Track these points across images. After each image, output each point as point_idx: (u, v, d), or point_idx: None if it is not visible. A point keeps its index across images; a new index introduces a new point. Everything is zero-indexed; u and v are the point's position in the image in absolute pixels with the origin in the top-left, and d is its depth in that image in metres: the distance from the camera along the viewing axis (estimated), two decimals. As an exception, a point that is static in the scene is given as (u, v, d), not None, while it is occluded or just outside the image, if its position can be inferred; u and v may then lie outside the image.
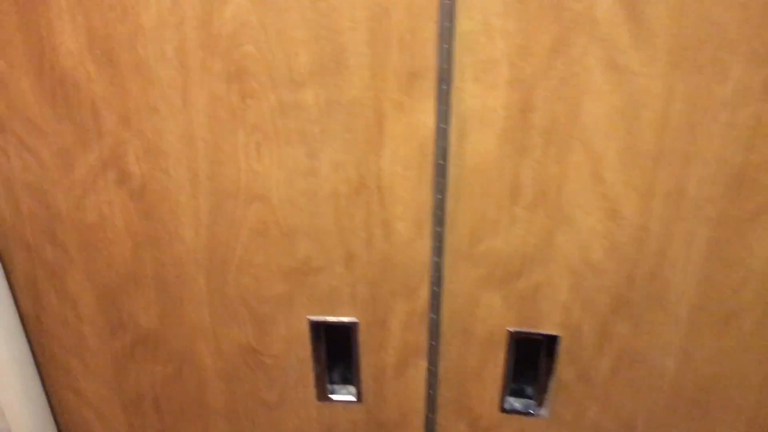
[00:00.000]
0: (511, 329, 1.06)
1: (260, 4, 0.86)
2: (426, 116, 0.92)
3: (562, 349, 1.06)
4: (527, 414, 1.14)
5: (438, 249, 1.02)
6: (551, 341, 1.06)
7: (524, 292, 1.02)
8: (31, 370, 1.21)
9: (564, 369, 1.07)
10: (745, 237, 0.92)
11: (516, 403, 1.15)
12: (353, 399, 1.18)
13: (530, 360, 1.10)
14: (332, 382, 1.18)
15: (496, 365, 1.10)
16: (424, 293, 1.06)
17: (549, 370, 1.09)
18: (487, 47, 0.85)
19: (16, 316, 1.16)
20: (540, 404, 1.13)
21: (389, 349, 1.12)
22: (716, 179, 0.89)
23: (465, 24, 0.85)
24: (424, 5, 0.84)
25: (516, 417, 1.15)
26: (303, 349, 1.13)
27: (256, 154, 0.97)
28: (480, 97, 0.89)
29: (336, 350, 1.14)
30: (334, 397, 1.18)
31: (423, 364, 1.12)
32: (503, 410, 1.15)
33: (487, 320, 1.06)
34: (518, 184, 0.94)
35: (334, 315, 1.10)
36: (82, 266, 1.09)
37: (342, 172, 0.97)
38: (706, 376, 1.04)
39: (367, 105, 0.92)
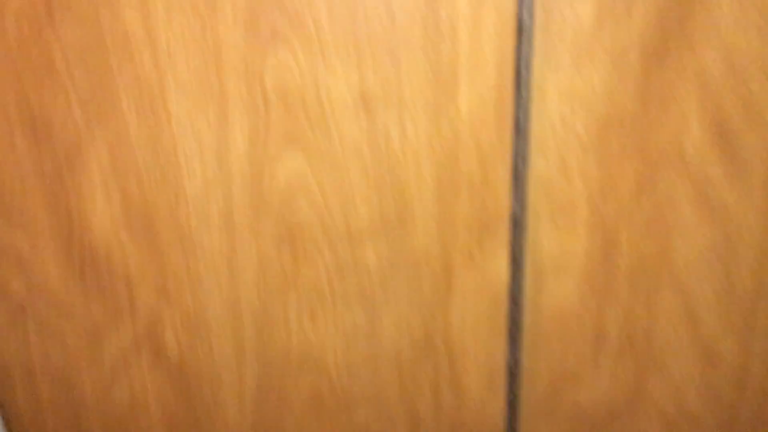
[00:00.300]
0: (600, 489, 0.95)
1: (317, 159, 0.79)
2: (499, 266, 0.84)
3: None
4: None
5: (513, 407, 0.92)
6: (646, 499, 0.95)
7: (613, 447, 0.92)
8: None
9: None
10: None
11: None
12: None
13: None
14: None
15: None
16: (498, 456, 0.95)
17: None
18: (565, 189, 0.79)
19: None
20: None
21: None
22: None
23: (540, 166, 0.79)
24: (495, 148, 0.78)
25: None
26: None
27: (309, 319, 0.88)
28: (558, 242, 0.82)
29: None
30: None
31: None
32: None
33: (573, 482, 0.95)
34: (602, 331, 0.86)
35: (397, 488, 0.98)
36: (110, 458, 0.96)
37: (406, 332, 0.88)
38: None
39: (434, 259, 0.84)
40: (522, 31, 0.73)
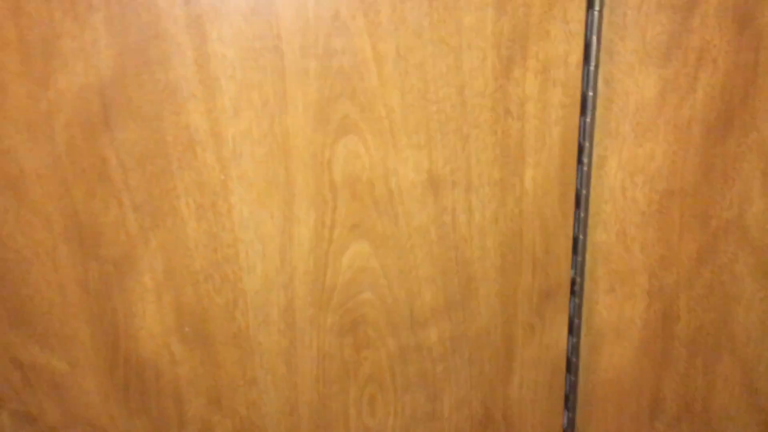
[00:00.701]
0: None
1: (383, 246, 0.77)
2: (558, 333, 0.85)
3: None
4: None
5: (569, 471, 0.92)
6: None
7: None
8: None
9: None
10: None
11: None
12: None
13: None
14: None
15: None
16: None
17: None
18: (624, 258, 0.81)
19: None
20: None
21: None
22: None
23: (599, 236, 0.80)
24: (558, 220, 0.79)
25: None
26: None
27: (369, 408, 0.84)
28: (616, 309, 0.84)
29: None
30: None
31: None
32: None
33: None
34: (659, 398, 0.88)
35: None
36: None
37: (466, 411, 0.87)
38: None
39: (495, 334, 0.83)
40: (585, 106, 0.75)
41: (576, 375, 0.87)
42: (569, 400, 0.89)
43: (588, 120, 0.75)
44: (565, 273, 0.82)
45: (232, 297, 0.76)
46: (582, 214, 0.79)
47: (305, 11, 0.66)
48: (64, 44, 0.63)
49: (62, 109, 0.65)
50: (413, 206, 0.76)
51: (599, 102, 0.74)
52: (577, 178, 0.78)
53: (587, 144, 0.76)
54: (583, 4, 0.70)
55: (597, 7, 0.70)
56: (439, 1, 0.68)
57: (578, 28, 0.72)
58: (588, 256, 0.82)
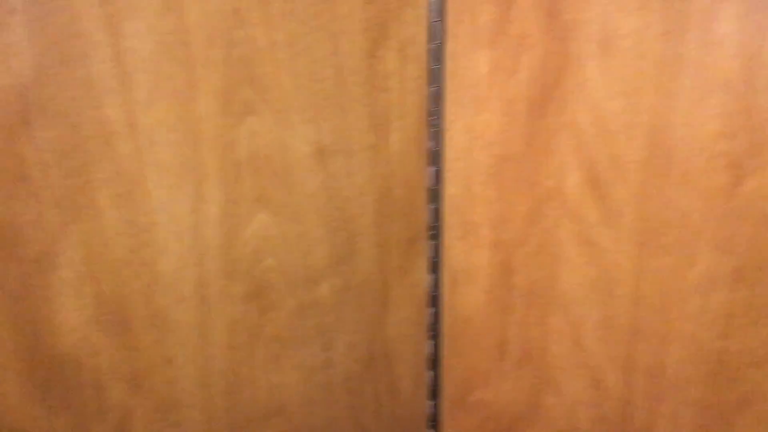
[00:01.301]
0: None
1: (280, 215, 0.86)
2: (421, 274, 1.00)
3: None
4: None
5: (436, 401, 1.09)
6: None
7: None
8: None
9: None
10: (732, 428, 0.91)
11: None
12: None
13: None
14: None
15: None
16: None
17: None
18: (471, 211, 0.98)
19: None
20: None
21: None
22: (696, 363, 0.89)
23: (452, 189, 0.97)
24: (417, 176, 0.94)
25: None
26: None
27: (274, 366, 0.93)
28: (467, 255, 1.00)
29: None
30: None
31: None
32: None
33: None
34: (505, 341, 1.02)
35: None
36: None
37: (354, 353, 0.99)
38: None
39: (374, 280, 0.97)
40: (434, 78, 0.91)
41: (438, 307, 1.04)
42: (433, 331, 1.05)
43: (437, 89, 0.91)
44: (424, 220, 0.98)
45: (149, 280, 0.81)
46: (436, 169, 0.95)
47: (209, 7, 0.73)
48: (-13, 45, 0.64)
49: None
50: (305, 175, 0.86)
51: (447, 75, 0.90)
52: (430, 138, 0.93)
53: (437, 112, 0.92)
54: (426, -7, 0.86)
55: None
56: (320, -7, 0.79)
57: (424, 12, 0.87)
58: (444, 207, 0.98)
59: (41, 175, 0.71)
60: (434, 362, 1.07)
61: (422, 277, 1.00)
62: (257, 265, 0.87)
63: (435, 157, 0.94)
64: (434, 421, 1.09)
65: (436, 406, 1.09)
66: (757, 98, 0.74)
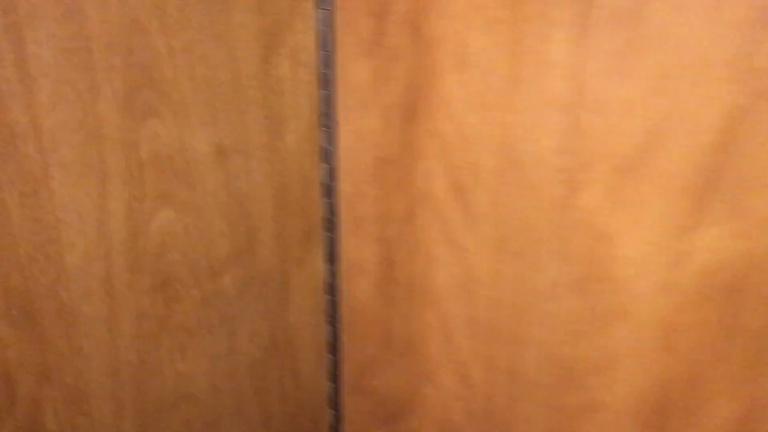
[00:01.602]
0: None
1: (183, 211, 0.92)
2: (319, 264, 1.08)
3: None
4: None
5: (335, 384, 1.16)
6: None
7: None
8: None
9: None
10: None
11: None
12: None
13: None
14: None
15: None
16: (325, 421, 1.18)
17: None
18: (359, 207, 1.06)
19: None
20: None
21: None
22: (547, 367, 0.94)
23: (344, 186, 1.05)
24: (312, 173, 1.02)
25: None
26: None
27: (180, 355, 0.99)
28: (358, 249, 1.08)
29: None
30: None
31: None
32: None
33: None
34: (390, 331, 1.10)
35: (256, 482, 1.14)
36: None
37: (257, 340, 1.05)
38: None
39: (275, 270, 1.03)
40: (326, 83, 0.98)
41: (335, 296, 1.11)
42: (332, 317, 1.12)
43: (328, 93, 0.99)
44: (320, 214, 1.05)
45: (56, 275, 0.85)
46: (329, 167, 1.03)
47: (109, 15, 0.79)
48: None
49: None
50: (206, 174, 0.92)
51: (337, 80, 0.98)
52: (324, 138, 1.01)
53: (330, 114, 1.00)
54: (315, 5, 0.93)
55: (328, 7, 0.94)
56: (215, 4, 0.85)
57: (313, 23, 0.95)
58: (338, 202, 1.05)
59: (-53, 175, 0.74)
60: (334, 347, 1.14)
61: (319, 267, 1.08)
62: (162, 258, 0.92)
63: (328, 156, 1.02)
64: (335, 403, 1.17)
65: (336, 389, 1.17)
66: (585, 117, 0.81)
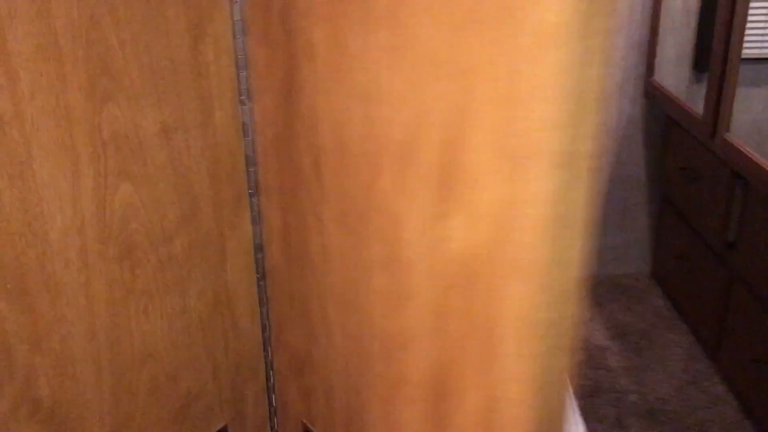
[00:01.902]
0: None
1: (139, 185, 1.05)
2: (247, 226, 1.24)
3: None
4: None
5: (266, 332, 1.33)
6: None
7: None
8: None
9: None
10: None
11: None
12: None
13: None
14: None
15: None
16: (261, 369, 1.34)
17: None
18: (268, 177, 1.24)
19: None
20: None
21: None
22: (377, 338, 1.02)
23: (259, 158, 1.22)
24: (237, 146, 1.18)
25: None
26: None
27: (145, 317, 1.11)
28: (273, 216, 1.25)
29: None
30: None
31: None
32: None
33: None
34: (292, 292, 1.32)
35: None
36: None
37: (204, 298, 1.20)
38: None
39: (213, 234, 1.19)
40: (240, 65, 1.15)
41: (261, 253, 1.28)
42: (260, 274, 1.29)
43: (244, 75, 1.16)
44: (245, 182, 1.21)
45: (41, 249, 0.95)
46: (249, 139, 1.20)
47: (72, 13, 0.91)
48: None
49: None
50: (155, 150, 1.06)
51: (249, 64, 1.15)
52: (245, 115, 1.17)
53: (245, 93, 1.16)
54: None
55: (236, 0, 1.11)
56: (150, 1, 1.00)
57: (228, 14, 1.11)
58: (258, 171, 1.22)
59: (-50, 162, 0.83)
60: (263, 301, 1.31)
61: (248, 230, 1.24)
62: (125, 228, 1.05)
63: (248, 130, 1.19)
64: (267, 352, 1.33)
65: (267, 343, 1.33)
66: (375, 106, 0.86)
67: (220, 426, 1.29)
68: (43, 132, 0.91)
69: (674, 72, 2.41)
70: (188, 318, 1.18)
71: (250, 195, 1.23)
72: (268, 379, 1.36)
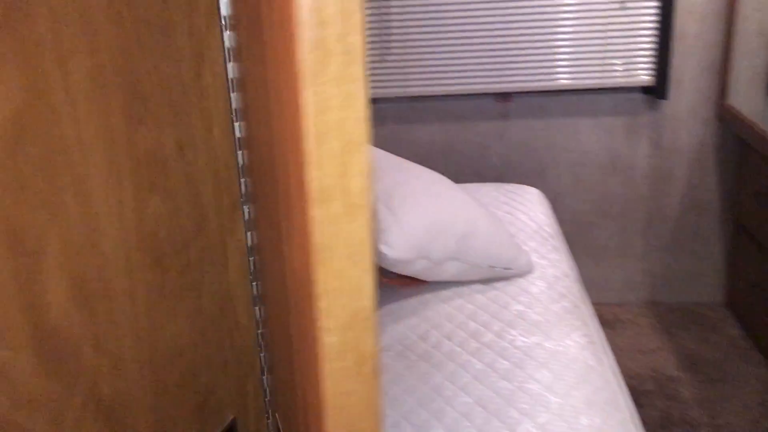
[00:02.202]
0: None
1: (163, 197, 1.17)
2: (241, 228, 1.38)
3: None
4: None
5: (259, 326, 1.47)
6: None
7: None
8: None
9: None
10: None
11: None
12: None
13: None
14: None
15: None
16: (257, 363, 1.47)
17: None
18: (252, 181, 1.39)
19: None
20: None
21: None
22: None
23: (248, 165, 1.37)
24: (230, 156, 1.33)
25: None
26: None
27: (173, 318, 1.22)
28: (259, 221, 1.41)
29: None
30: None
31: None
32: None
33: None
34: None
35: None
36: None
37: (214, 300, 1.33)
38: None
39: (217, 240, 1.32)
40: (231, 86, 1.30)
41: (253, 257, 1.42)
42: (253, 275, 1.43)
43: (237, 95, 1.31)
44: (238, 192, 1.36)
45: (102, 261, 1.06)
46: (243, 152, 1.35)
47: (113, 47, 1.04)
48: None
49: None
50: (173, 165, 1.18)
51: (238, 85, 1.31)
52: (234, 129, 1.32)
53: (235, 110, 1.32)
54: (220, 29, 1.26)
55: (225, 25, 1.27)
56: (165, 32, 1.14)
57: (220, 43, 1.27)
58: (249, 182, 1.37)
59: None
60: (257, 300, 1.45)
61: (242, 235, 1.38)
62: (155, 238, 1.16)
63: (242, 144, 1.34)
64: (260, 347, 1.47)
65: (262, 335, 1.47)
66: None
67: (230, 418, 1.41)
68: (96, 152, 1.02)
69: (748, 94, 2.35)
70: (203, 318, 1.30)
71: (243, 203, 1.37)
72: (262, 373, 1.50)
